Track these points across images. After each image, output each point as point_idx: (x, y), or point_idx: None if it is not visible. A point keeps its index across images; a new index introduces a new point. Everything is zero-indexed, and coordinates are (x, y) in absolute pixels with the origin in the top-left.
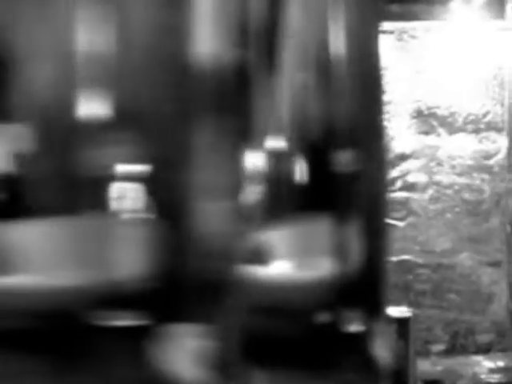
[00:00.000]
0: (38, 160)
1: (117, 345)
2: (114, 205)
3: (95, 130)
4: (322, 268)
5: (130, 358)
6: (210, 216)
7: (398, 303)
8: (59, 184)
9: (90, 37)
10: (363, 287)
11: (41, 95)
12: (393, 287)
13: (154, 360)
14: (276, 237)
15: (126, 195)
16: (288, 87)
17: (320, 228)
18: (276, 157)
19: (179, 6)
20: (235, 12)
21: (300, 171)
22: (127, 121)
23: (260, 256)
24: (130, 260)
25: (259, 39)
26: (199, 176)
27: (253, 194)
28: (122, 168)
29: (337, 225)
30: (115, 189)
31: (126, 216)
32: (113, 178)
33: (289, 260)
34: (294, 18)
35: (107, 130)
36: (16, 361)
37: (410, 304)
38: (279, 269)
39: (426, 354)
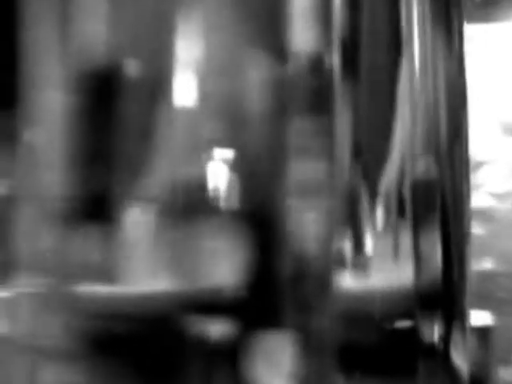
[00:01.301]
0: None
1: (210, 353)
2: (208, 207)
3: (192, 125)
4: (402, 275)
5: (224, 366)
6: (305, 219)
7: (478, 312)
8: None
9: (188, 30)
10: (444, 295)
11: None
12: (473, 295)
13: (246, 369)
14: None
15: (221, 196)
16: (371, 92)
17: (401, 235)
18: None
19: (277, 2)
20: (329, 12)
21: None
22: (225, 119)
23: (343, 261)
24: (224, 266)
25: (348, 42)
26: (293, 175)
27: (341, 196)
28: (215, 166)
29: (417, 232)
30: (210, 189)
31: (220, 219)
32: (208, 177)
33: (369, 266)
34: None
35: (204, 127)
36: (112, 366)
37: (490, 312)
38: (360, 275)
39: (506, 363)
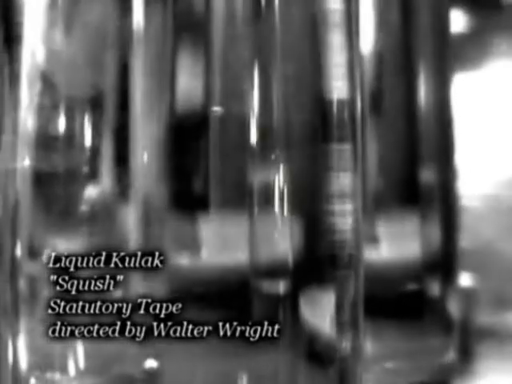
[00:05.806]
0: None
1: (277, 303)
2: (270, 210)
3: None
4: (411, 249)
5: (286, 312)
6: (342, 216)
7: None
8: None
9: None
10: (444, 261)
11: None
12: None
13: (302, 314)
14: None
15: (277, 200)
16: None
17: (408, 219)
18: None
19: (315, 41)
20: (358, 66)
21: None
22: (280, 147)
23: (373, 241)
24: (283, 246)
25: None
26: (334, 185)
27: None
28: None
29: (424, 219)
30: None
31: (278, 217)
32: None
33: (389, 244)
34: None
35: (258, 152)
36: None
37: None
38: (381, 251)
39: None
